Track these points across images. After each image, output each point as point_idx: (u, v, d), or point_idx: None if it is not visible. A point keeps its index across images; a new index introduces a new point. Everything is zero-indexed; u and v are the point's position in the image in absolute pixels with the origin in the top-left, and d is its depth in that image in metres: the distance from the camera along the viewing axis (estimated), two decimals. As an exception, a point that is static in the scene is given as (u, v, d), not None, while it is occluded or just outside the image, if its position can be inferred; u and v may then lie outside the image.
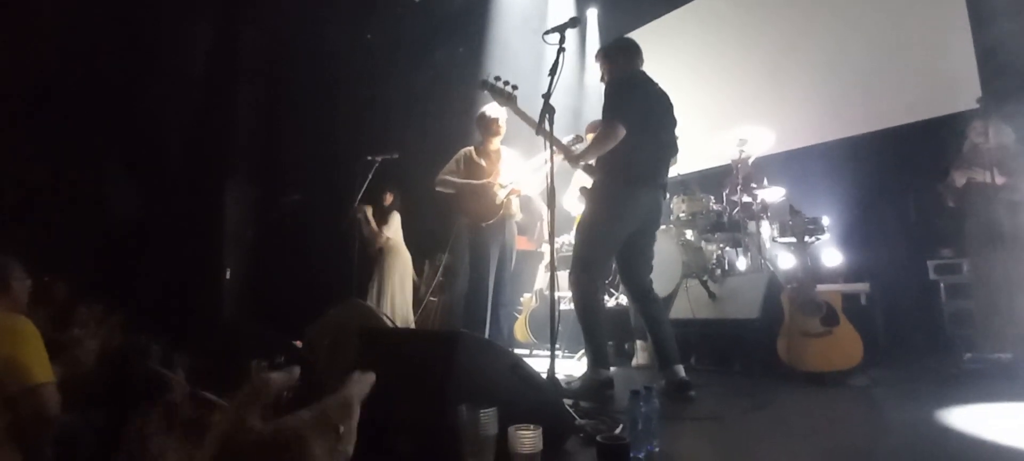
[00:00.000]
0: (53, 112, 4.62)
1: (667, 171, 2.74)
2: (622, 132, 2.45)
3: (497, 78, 2.82)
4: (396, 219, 5.05)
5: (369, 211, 4.94)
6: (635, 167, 2.53)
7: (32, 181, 4.40)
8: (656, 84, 2.70)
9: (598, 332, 2.52)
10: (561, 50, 2.47)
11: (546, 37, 2.54)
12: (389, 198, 5.06)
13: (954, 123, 3.45)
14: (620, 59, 2.74)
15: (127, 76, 4.97)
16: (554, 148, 2.51)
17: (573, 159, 2.62)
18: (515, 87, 2.79)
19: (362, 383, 0.47)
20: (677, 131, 2.76)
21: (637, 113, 2.51)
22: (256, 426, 0.40)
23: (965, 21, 3.96)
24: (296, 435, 0.40)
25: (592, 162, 2.71)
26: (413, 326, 4.95)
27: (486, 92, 2.86)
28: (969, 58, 3.89)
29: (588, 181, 2.75)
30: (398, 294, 4.96)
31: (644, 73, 2.72)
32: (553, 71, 2.44)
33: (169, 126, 5.36)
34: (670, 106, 2.70)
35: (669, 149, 2.70)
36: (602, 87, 2.70)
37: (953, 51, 3.96)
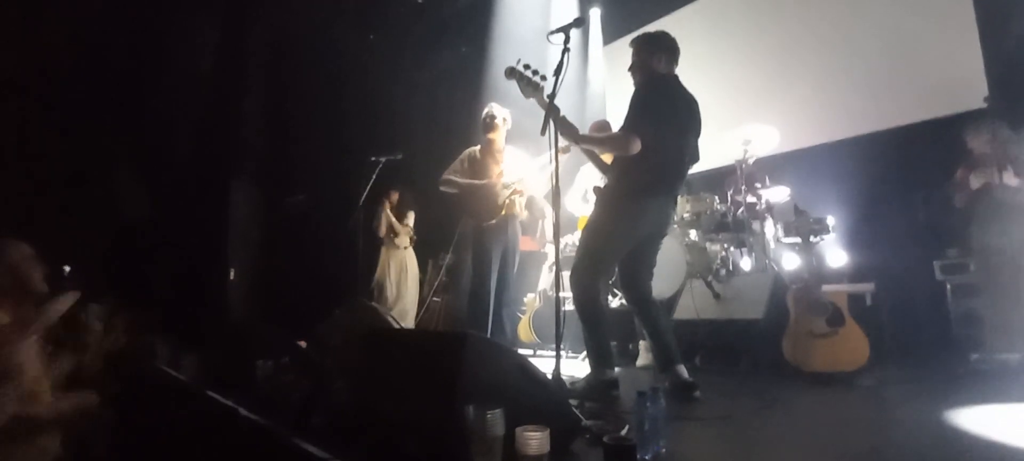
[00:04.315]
0: (61, 110, 4.64)
1: (683, 181, 2.67)
2: (637, 147, 2.40)
3: (527, 66, 2.66)
4: (411, 218, 5.19)
5: (389, 205, 5.09)
6: (653, 177, 2.47)
7: (39, 178, 4.43)
8: (685, 89, 2.62)
9: (600, 332, 2.51)
10: (566, 50, 2.44)
11: (551, 38, 2.51)
12: (398, 197, 5.21)
13: (961, 123, 3.43)
14: (662, 59, 2.61)
15: (133, 75, 4.99)
16: (559, 142, 2.50)
17: (576, 138, 2.59)
18: (544, 76, 2.63)
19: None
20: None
21: (663, 125, 2.45)
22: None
23: (972, 20, 3.94)
24: None
25: (607, 159, 2.68)
26: (414, 325, 5.00)
27: (513, 80, 2.68)
28: (976, 57, 3.87)
29: (598, 178, 2.71)
30: (413, 292, 5.11)
31: (677, 79, 2.64)
32: (558, 71, 2.43)
33: (175, 126, 5.39)
34: (697, 114, 2.61)
35: (690, 159, 2.63)
36: (607, 86, 2.68)
37: (960, 50, 3.94)
